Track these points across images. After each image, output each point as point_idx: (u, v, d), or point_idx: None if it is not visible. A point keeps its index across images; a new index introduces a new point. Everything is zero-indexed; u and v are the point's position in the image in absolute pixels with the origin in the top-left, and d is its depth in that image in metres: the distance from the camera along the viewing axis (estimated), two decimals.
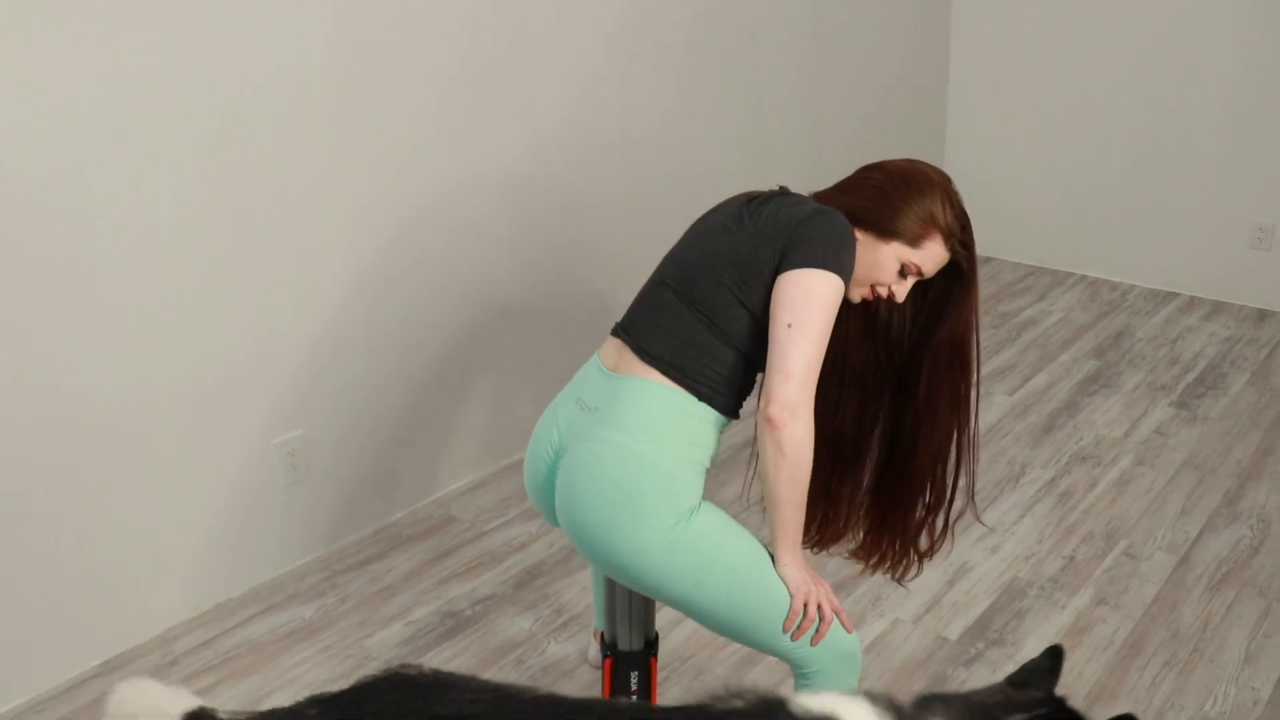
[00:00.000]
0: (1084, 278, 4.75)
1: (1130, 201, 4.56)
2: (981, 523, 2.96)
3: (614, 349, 1.80)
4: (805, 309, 1.62)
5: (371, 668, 2.49)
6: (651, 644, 1.91)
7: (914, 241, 1.79)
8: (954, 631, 2.56)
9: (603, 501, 1.66)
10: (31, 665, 2.42)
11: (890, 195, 1.80)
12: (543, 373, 3.36)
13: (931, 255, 1.81)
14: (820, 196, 1.87)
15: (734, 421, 1.82)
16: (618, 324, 1.82)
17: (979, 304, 1.90)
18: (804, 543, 2.08)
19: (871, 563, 2.10)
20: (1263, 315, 4.31)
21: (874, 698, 1.09)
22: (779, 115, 3.97)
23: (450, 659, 2.51)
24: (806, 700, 1.09)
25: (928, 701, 1.09)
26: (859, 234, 1.80)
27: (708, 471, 1.76)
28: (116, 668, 2.51)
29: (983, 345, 4.09)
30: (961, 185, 5.14)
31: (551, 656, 2.51)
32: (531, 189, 3.15)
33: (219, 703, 2.38)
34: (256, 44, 2.45)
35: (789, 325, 1.62)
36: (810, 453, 1.63)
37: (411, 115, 2.80)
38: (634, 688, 1.89)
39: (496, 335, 3.19)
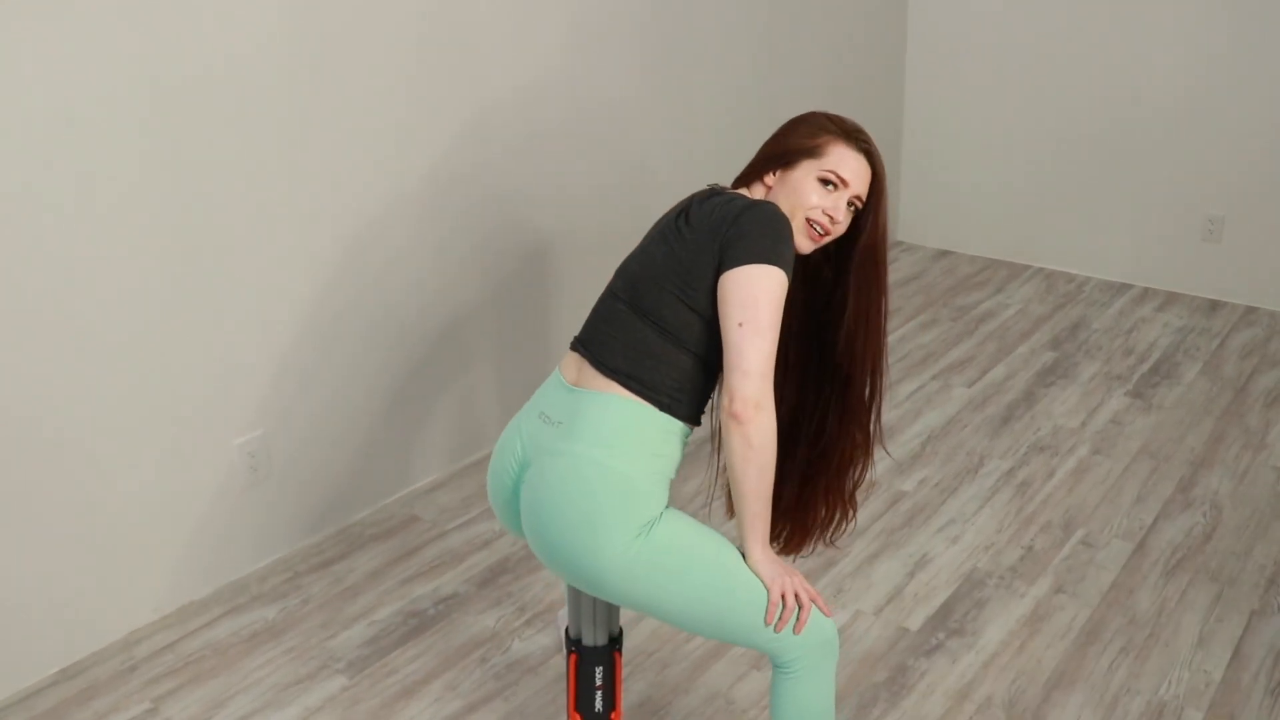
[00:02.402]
0: (1041, 270, 4.80)
1: (1085, 195, 4.62)
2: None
3: (574, 363, 1.82)
4: (753, 305, 1.66)
5: (335, 668, 2.48)
6: (615, 639, 1.93)
7: (814, 152, 1.82)
8: (915, 622, 2.59)
9: (568, 515, 1.68)
10: None
11: (781, 133, 1.88)
12: (504, 371, 3.36)
13: (841, 158, 1.81)
14: (737, 183, 1.92)
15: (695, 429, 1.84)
16: (576, 338, 1.85)
17: (887, 208, 1.92)
18: (792, 549, 2.09)
19: (812, 542, 2.06)
20: (1214, 305, 4.37)
21: None
22: (729, 111, 3.99)
23: (414, 658, 2.51)
24: None
25: None
26: (772, 179, 1.85)
27: (671, 481, 1.78)
28: (75, 674, 2.49)
29: (941, 337, 4.13)
30: (919, 179, 5.22)
31: (515, 654, 2.51)
32: (489, 194, 3.15)
33: (179, 707, 2.37)
34: (202, 33, 2.43)
35: (740, 324, 1.66)
36: (775, 444, 1.67)
37: (364, 117, 2.79)
38: (599, 682, 1.90)
39: (458, 333, 3.19)
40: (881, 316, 1.92)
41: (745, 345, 1.65)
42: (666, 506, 1.74)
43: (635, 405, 1.73)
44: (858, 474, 2.03)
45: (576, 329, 3.54)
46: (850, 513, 2.06)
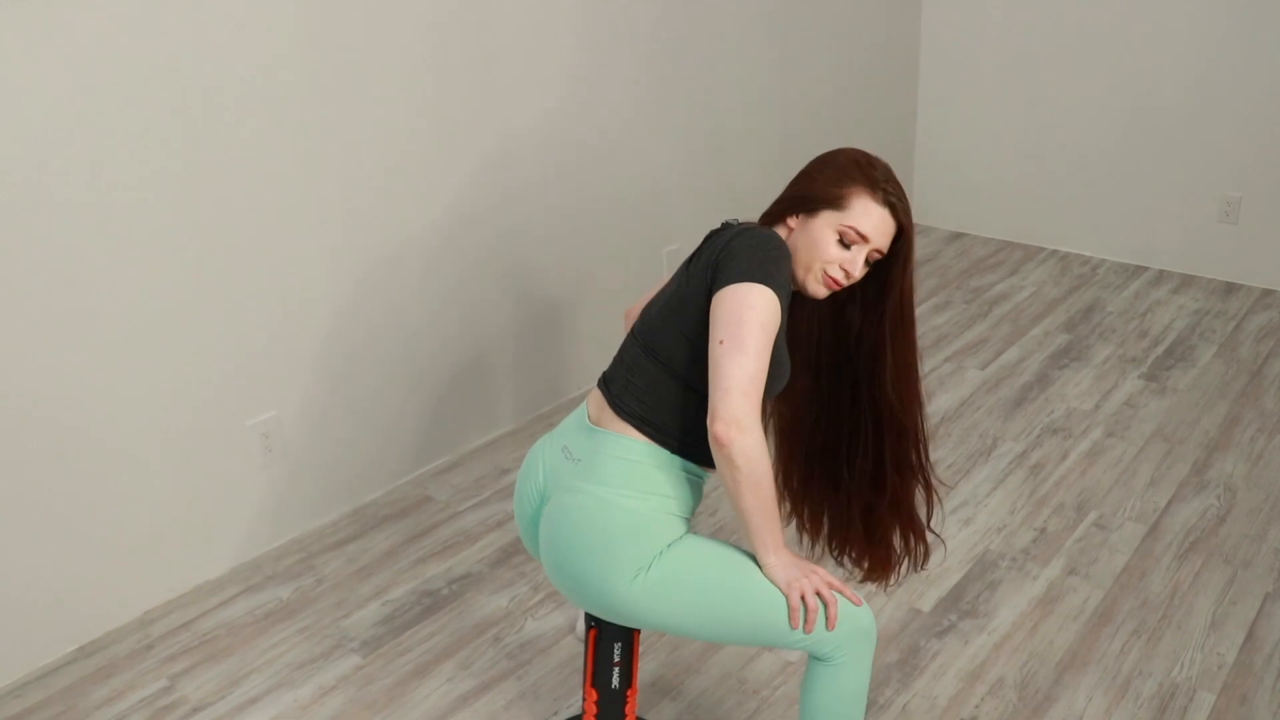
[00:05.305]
0: (1055, 252, 4.78)
1: (1100, 176, 4.60)
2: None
3: (596, 401, 1.84)
4: (736, 323, 1.62)
5: (349, 647, 2.50)
6: None
7: (838, 203, 1.77)
8: (927, 603, 2.59)
9: (579, 550, 1.71)
10: (6, 651, 2.41)
11: (809, 174, 1.83)
12: (519, 352, 3.37)
13: (866, 213, 1.76)
14: (762, 220, 1.89)
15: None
16: (602, 374, 1.86)
17: (914, 263, 1.88)
18: (878, 579, 2.08)
19: (898, 572, 2.06)
20: (1230, 288, 4.35)
21: None
22: (746, 91, 3.97)
23: (427, 638, 2.52)
24: None
25: None
26: (795, 222, 1.81)
27: (688, 521, 1.78)
28: (92, 652, 2.51)
29: (955, 319, 4.11)
30: (934, 162, 5.19)
31: (528, 634, 2.53)
32: (512, 182, 3.14)
33: (195, 685, 2.39)
34: (223, 40, 2.43)
35: (721, 341, 1.62)
36: (766, 460, 1.63)
37: (383, 113, 2.79)
38: (617, 659, 1.91)
39: (472, 314, 3.19)
40: (916, 364, 1.92)
41: (725, 361, 1.61)
42: (684, 534, 1.75)
43: (648, 449, 1.75)
44: (927, 509, 2.01)
45: (594, 321, 3.54)
46: (924, 547, 2.03)
